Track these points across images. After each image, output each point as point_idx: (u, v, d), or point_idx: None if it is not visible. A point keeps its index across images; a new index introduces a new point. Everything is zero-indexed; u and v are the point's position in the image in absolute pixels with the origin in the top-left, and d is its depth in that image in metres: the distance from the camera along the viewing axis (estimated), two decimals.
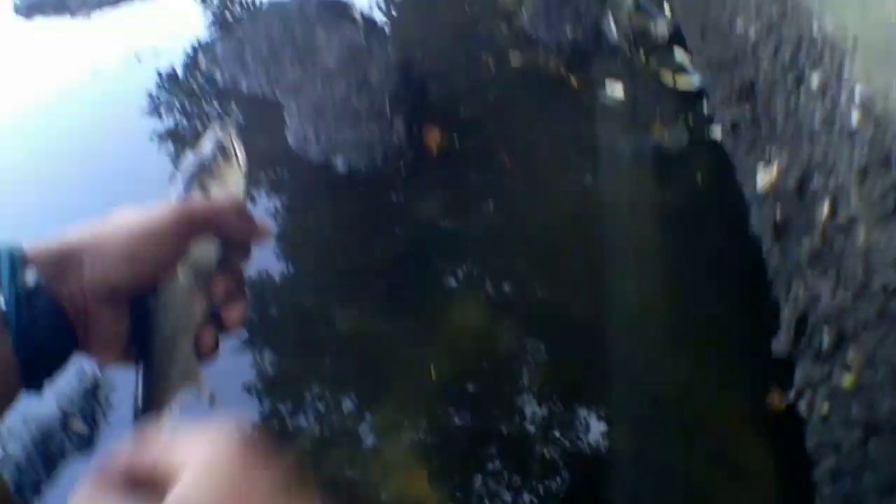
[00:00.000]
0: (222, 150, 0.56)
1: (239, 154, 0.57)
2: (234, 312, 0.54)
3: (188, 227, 0.50)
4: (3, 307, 0.43)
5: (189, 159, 0.56)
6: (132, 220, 0.49)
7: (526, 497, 1.20)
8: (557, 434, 1.35)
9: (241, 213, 0.52)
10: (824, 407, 1.29)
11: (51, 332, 0.45)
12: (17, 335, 0.44)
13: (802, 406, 1.34)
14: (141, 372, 0.51)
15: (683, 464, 1.27)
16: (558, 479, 1.25)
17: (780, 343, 1.46)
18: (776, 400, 1.37)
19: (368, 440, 1.28)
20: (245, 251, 0.55)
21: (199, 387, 0.54)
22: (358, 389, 1.46)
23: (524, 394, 1.42)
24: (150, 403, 0.52)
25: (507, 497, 1.18)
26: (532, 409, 1.39)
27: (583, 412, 1.39)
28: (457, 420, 1.37)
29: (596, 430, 1.36)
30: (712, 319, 1.50)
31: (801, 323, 1.41)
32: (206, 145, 0.56)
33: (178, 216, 0.49)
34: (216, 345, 0.54)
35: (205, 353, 0.53)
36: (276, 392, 1.51)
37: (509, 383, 1.45)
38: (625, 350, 1.50)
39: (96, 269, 0.47)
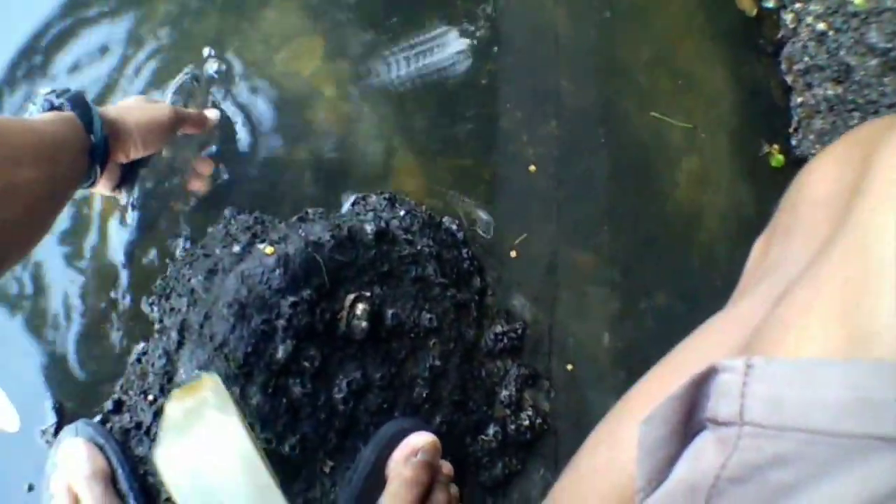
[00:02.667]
0: (196, 79, 0.96)
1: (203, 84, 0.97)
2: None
3: (176, 120, 0.83)
4: (94, 141, 0.74)
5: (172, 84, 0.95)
6: (149, 109, 0.82)
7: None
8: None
9: (201, 116, 0.90)
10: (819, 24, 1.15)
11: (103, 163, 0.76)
12: (94, 157, 0.74)
13: (787, 17, 1.19)
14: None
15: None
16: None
17: None
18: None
19: (249, 6, 1.05)
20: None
21: None
22: None
23: None
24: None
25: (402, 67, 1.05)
26: None
27: None
28: None
29: None
30: None
31: None
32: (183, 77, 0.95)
33: (173, 112, 0.83)
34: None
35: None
36: None
37: None
38: None
39: (128, 135, 0.78)
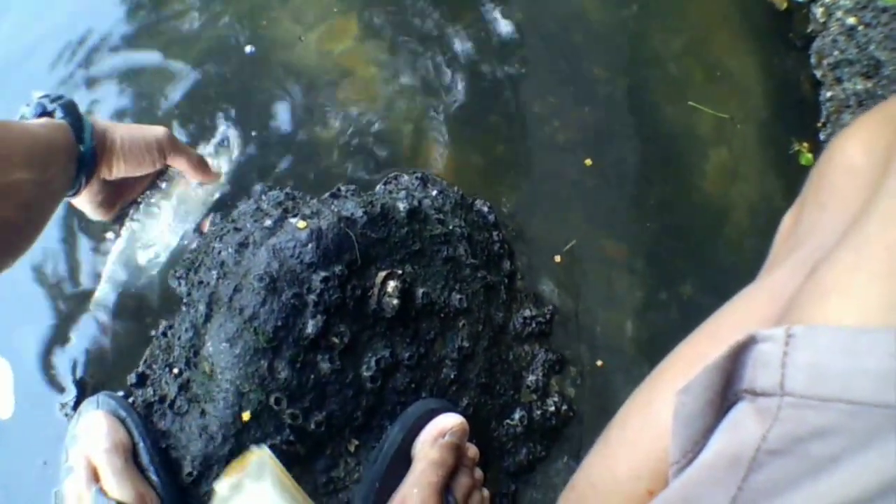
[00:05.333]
0: (223, 143, 0.94)
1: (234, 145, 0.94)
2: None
3: (167, 144, 0.83)
4: (83, 150, 0.75)
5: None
6: (140, 128, 0.82)
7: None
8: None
9: (200, 159, 0.88)
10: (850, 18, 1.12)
11: (89, 173, 0.78)
12: (81, 166, 0.75)
13: (817, 11, 1.16)
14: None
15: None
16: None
17: None
18: None
19: None
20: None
21: None
22: None
23: None
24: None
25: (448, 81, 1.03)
26: None
27: None
28: None
29: None
30: None
31: None
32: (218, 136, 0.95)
33: (165, 136, 0.83)
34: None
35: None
36: None
37: None
38: None
39: (113, 147, 0.79)
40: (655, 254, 0.98)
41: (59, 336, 0.90)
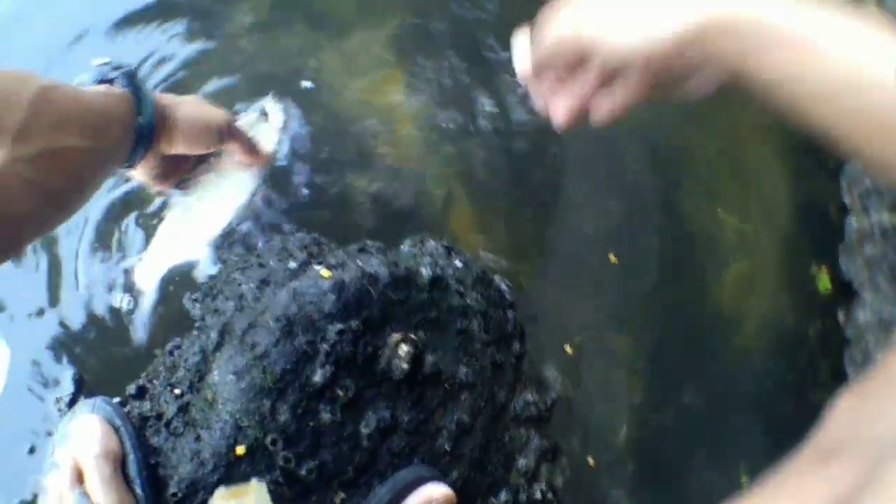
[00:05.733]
0: (263, 113, 0.91)
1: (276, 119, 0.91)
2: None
3: (227, 130, 0.83)
4: (141, 122, 0.73)
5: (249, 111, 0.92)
6: (202, 108, 0.82)
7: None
8: None
9: (254, 145, 0.88)
10: None
11: (147, 147, 0.77)
12: (138, 138, 0.74)
13: None
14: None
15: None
16: None
17: None
18: None
19: (337, 27, 1.07)
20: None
21: None
22: None
23: None
24: None
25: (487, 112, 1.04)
26: None
27: None
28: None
29: None
30: None
31: None
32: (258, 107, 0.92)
33: (226, 121, 0.83)
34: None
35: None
36: None
37: None
38: None
39: (174, 125, 0.78)
40: (660, 355, 0.99)
41: (67, 326, 0.91)
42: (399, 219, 0.95)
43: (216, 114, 0.84)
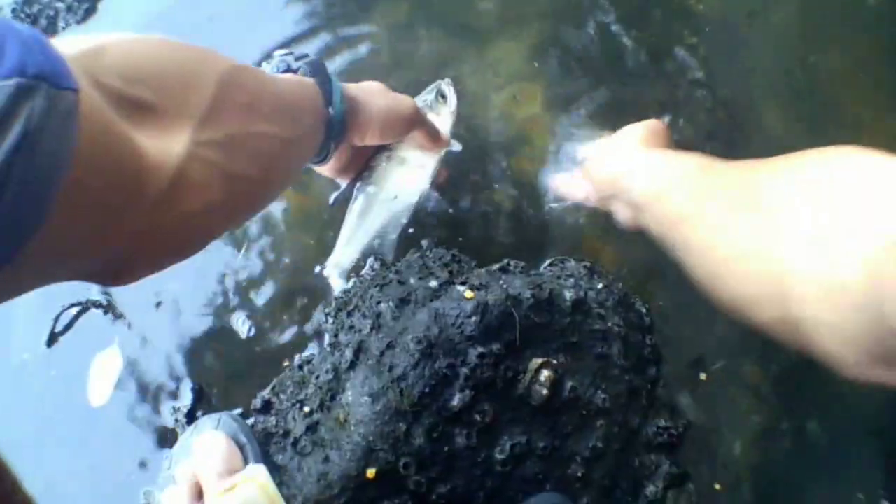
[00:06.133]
0: (442, 95, 0.88)
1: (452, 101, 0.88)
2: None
3: (417, 119, 0.80)
4: (332, 113, 0.69)
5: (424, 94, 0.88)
6: (393, 98, 0.78)
7: None
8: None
9: (437, 130, 0.84)
10: None
11: (339, 139, 0.73)
12: (329, 132, 0.70)
13: None
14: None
15: None
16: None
17: None
18: None
19: (477, 37, 1.02)
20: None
21: None
22: None
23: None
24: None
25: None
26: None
27: None
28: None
29: None
30: None
31: None
32: (435, 89, 0.88)
33: (416, 110, 0.79)
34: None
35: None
36: None
37: None
38: None
39: (369, 118, 0.75)
40: (786, 381, 0.95)
41: (192, 334, 0.88)
42: (539, 238, 0.91)
43: (406, 102, 0.79)
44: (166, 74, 0.49)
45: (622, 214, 0.73)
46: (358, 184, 0.85)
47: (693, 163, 0.65)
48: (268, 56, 0.72)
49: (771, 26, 1.06)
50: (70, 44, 0.41)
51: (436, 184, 0.87)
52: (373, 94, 0.76)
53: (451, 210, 0.91)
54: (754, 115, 1.02)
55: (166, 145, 0.45)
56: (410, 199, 0.86)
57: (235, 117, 0.54)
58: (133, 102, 0.44)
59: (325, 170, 0.82)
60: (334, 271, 0.87)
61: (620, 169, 0.71)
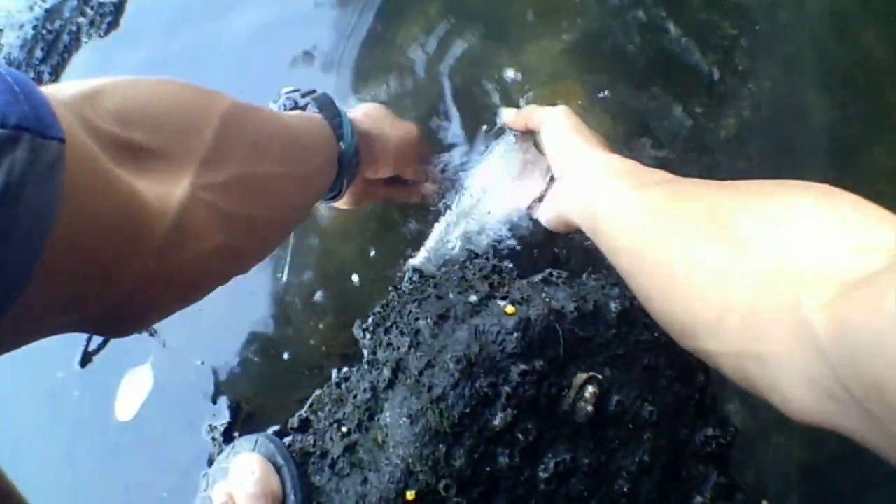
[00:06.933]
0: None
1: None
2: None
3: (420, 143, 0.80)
4: (344, 148, 0.67)
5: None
6: (401, 127, 0.77)
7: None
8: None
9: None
10: None
11: (352, 174, 0.71)
12: (342, 166, 0.68)
13: None
14: None
15: None
16: None
17: None
18: None
19: (517, 36, 0.99)
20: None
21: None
22: None
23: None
24: None
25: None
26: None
27: None
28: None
29: None
30: None
31: None
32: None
33: (421, 134, 0.79)
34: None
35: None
36: None
37: None
38: None
39: (385, 152, 0.74)
40: None
41: (228, 351, 0.87)
42: (579, 244, 0.88)
43: (413, 130, 0.78)
44: (165, 117, 0.47)
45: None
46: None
47: (647, 195, 0.62)
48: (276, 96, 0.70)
49: (807, 14, 1.01)
50: (65, 88, 0.40)
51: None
52: (381, 123, 0.74)
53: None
54: (799, 104, 0.97)
55: (167, 189, 0.43)
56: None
57: (239, 158, 0.52)
58: (130, 147, 0.42)
59: (339, 205, 0.79)
60: (411, 273, 0.84)
61: (574, 212, 0.71)
